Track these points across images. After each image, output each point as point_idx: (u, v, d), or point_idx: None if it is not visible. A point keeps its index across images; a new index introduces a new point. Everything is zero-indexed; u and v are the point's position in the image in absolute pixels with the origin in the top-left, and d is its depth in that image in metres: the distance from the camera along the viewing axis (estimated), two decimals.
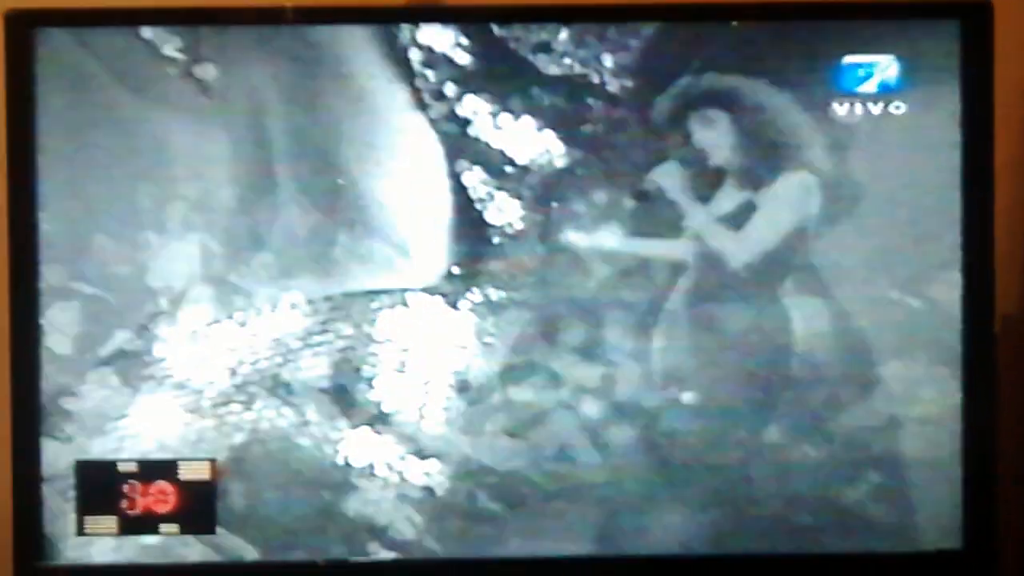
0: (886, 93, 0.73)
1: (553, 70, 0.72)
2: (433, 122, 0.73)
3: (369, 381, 0.73)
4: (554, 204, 0.73)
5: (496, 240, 0.73)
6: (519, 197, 0.73)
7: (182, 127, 0.73)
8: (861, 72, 0.72)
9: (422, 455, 0.73)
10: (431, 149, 0.73)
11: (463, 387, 0.73)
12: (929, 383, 0.73)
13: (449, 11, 0.76)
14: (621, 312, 0.73)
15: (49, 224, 0.73)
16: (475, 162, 0.73)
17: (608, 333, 0.73)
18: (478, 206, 0.73)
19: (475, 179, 0.73)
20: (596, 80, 0.72)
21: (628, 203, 0.73)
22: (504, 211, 0.73)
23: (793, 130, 0.73)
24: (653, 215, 0.73)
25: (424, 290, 0.73)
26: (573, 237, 0.73)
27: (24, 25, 0.72)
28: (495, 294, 0.73)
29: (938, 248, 0.73)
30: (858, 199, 0.73)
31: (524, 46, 0.72)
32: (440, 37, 0.72)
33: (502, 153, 0.73)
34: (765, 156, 0.73)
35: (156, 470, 0.73)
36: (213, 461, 0.73)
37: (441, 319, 0.73)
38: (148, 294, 0.73)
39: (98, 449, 0.73)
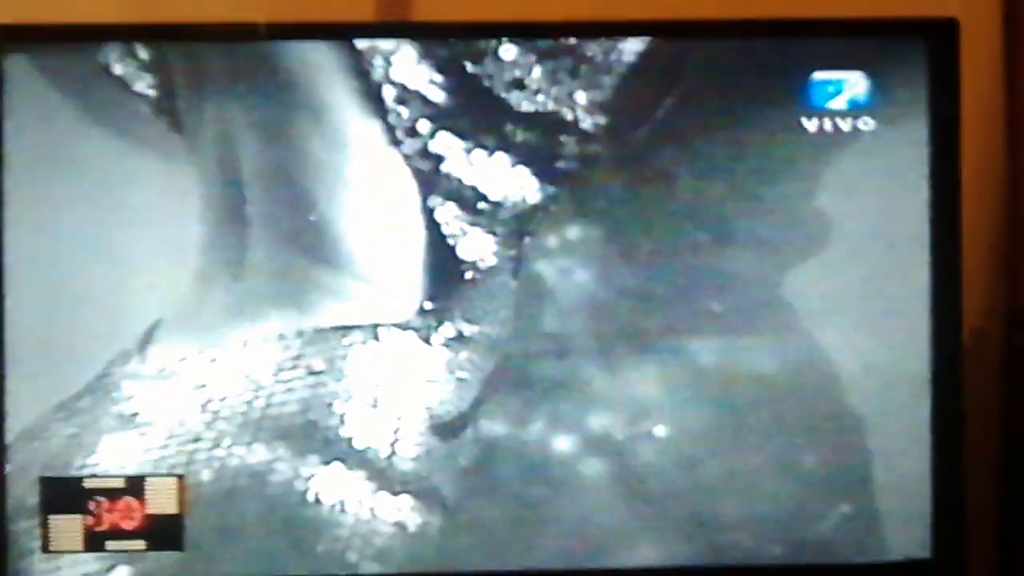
0: (855, 109, 0.73)
1: (527, 107, 0.73)
2: (406, 158, 0.73)
3: (341, 417, 0.73)
4: (527, 239, 0.73)
5: (469, 275, 0.73)
6: (492, 232, 0.73)
7: (152, 163, 0.72)
8: (830, 88, 0.73)
9: (394, 491, 0.73)
10: (404, 185, 0.73)
11: (435, 422, 0.73)
12: (898, 392, 0.74)
13: (419, 28, 0.76)
14: (594, 346, 0.73)
15: (15, 260, 0.72)
16: (448, 198, 0.73)
17: (580, 367, 0.73)
18: (451, 241, 0.73)
19: (448, 214, 0.73)
20: (570, 117, 0.73)
21: (600, 238, 0.73)
22: (477, 246, 0.73)
23: (766, 160, 0.73)
24: (626, 250, 0.73)
25: (396, 325, 0.73)
26: (546, 272, 0.73)
27: None
28: (468, 329, 0.73)
29: (907, 271, 0.74)
30: (828, 228, 0.74)
31: (498, 83, 0.73)
32: (413, 74, 0.72)
33: (475, 189, 0.73)
34: (739, 189, 0.73)
35: (122, 487, 0.72)
36: (181, 477, 0.72)
37: (413, 354, 0.73)
38: (116, 330, 0.72)
39: None
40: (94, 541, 0.72)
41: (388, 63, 0.72)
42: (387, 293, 0.73)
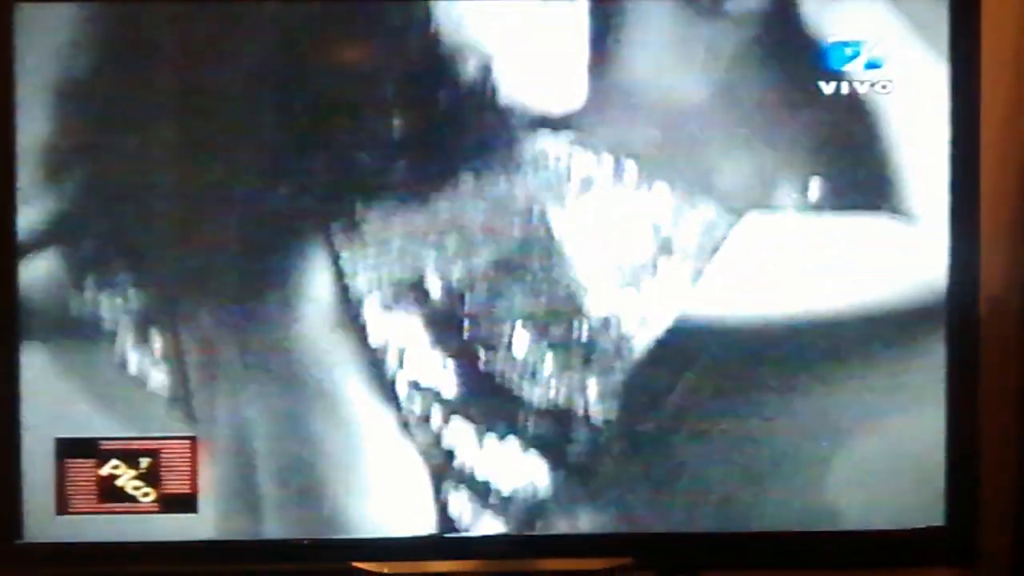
0: (873, 71, 0.72)
1: (538, 396, 0.73)
2: (419, 447, 0.73)
3: None
4: (538, 527, 0.73)
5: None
6: (504, 520, 0.73)
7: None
8: (848, 51, 0.72)
9: None
10: (416, 473, 0.73)
11: None
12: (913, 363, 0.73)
13: None
14: None
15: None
16: (460, 486, 0.73)
17: None
18: (462, 527, 0.73)
19: (459, 503, 0.73)
20: (581, 406, 0.73)
21: (612, 526, 0.74)
22: (488, 534, 0.73)
23: (779, 454, 0.74)
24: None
25: None
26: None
27: None
28: None
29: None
30: (837, 519, 0.74)
31: (511, 373, 0.73)
32: (427, 365, 0.73)
33: (487, 477, 0.73)
34: (749, 476, 0.74)
35: (138, 449, 0.72)
36: (194, 439, 0.72)
37: None
38: None
39: None
40: (108, 503, 0.72)
41: (402, 355, 0.73)
42: None
